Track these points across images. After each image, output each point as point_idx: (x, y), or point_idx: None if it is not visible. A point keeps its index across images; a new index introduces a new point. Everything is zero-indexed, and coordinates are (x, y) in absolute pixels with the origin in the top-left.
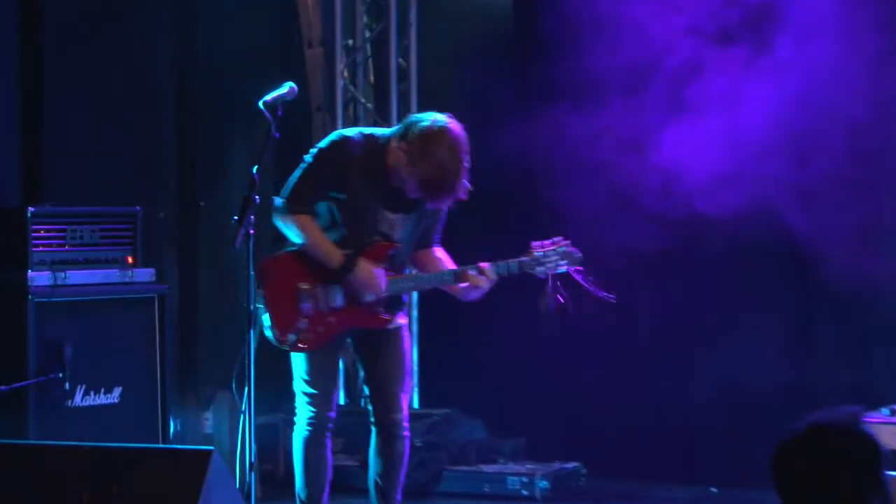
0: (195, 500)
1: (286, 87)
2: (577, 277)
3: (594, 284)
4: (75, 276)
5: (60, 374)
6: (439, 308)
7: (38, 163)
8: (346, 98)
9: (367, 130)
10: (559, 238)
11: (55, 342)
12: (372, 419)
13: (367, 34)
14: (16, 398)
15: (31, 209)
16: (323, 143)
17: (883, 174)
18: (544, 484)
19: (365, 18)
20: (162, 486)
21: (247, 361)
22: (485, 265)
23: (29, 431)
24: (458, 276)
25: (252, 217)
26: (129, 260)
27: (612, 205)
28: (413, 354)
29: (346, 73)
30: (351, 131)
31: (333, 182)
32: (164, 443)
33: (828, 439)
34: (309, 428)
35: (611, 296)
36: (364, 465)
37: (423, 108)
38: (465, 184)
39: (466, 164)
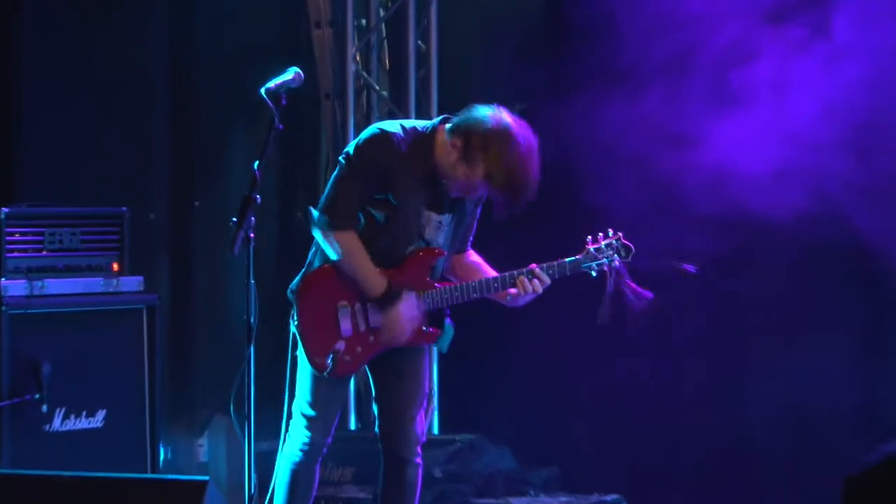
0: None
1: (291, 73)
2: (624, 274)
3: (636, 283)
4: (54, 286)
5: (37, 395)
6: (461, 321)
7: (12, 159)
8: (359, 85)
9: (408, 123)
10: (610, 231)
11: (31, 359)
12: (380, 444)
13: (382, 13)
14: None
15: (4, 210)
16: (361, 141)
17: None
18: None
19: None
20: None
21: (247, 381)
22: (536, 268)
23: (1, 459)
24: (507, 283)
25: (253, 219)
26: (115, 267)
27: (653, 204)
28: (433, 373)
29: (358, 58)
30: (390, 125)
31: (376, 185)
32: (153, 472)
33: None
34: (301, 453)
35: (648, 293)
36: (377, 498)
37: (443, 96)
38: (532, 189)
39: (536, 169)
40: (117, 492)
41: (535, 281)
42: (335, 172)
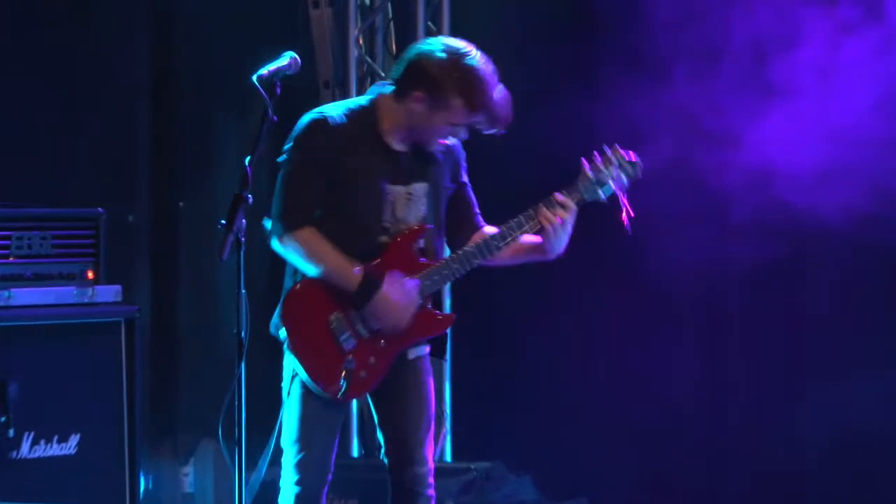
0: None
1: (286, 58)
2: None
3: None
4: (21, 296)
5: (2, 419)
6: (476, 337)
7: None
8: (362, 72)
9: (343, 102)
10: (607, 148)
11: None
12: (388, 474)
13: None
14: None
15: None
16: (297, 132)
17: None
18: None
19: None
20: None
21: (237, 402)
22: (559, 196)
23: None
24: (529, 222)
25: (244, 221)
26: (90, 275)
27: (689, 207)
28: (444, 393)
29: (361, 41)
30: (324, 107)
31: (326, 173)
32: None
33: None
34: (298, 490)
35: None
36: None
37: None
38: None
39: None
40: None
41: (560, 210)
42: (280, 175)
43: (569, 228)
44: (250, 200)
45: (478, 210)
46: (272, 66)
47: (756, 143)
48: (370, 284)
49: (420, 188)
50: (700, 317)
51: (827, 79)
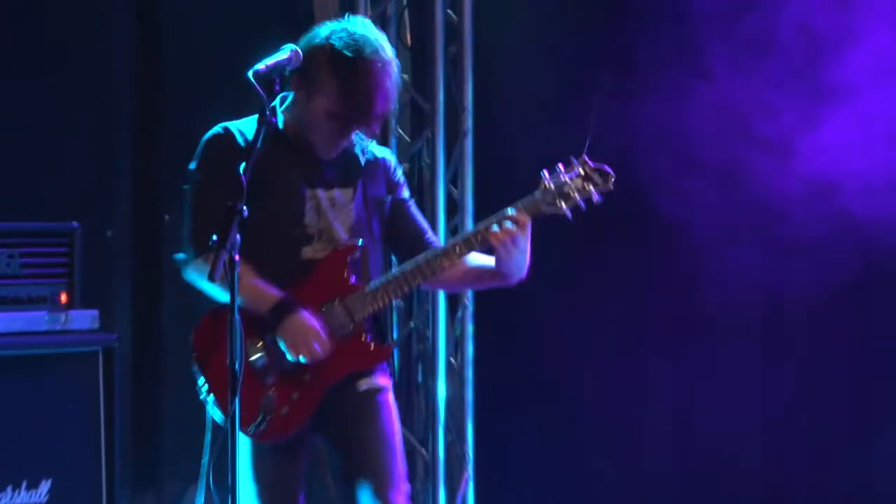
0: None
1: (286, 52)
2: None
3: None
4: None
5: None
6: (501, 364)
7: None
8: None
9: (253, 117)
10: (572, 158)
11: None
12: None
13: None
14: None
15: None
16: (197, 152)
17: None
18: None
19: None
20: None
21: (229, 445)
22: (510, 210)
23: None
24: (475, 239)
25: (238, 236)
26: (63, 298)
27: (741, 221)
28: (468, 434)
29: None
30: (232, 122)
31: (234, 187)
32: None
33: None
34: None
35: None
36: None
37: (480, 80)
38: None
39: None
40: None
41: (508, 224)
42: (185, 202)
43: (523, 246)
44: (245, 213)
45: (427, 229)
46: (270, 61)
47: (816, 148)
48: (284, 306)
49: (343, 194)
50: (756, 343)
51: (893, 77)
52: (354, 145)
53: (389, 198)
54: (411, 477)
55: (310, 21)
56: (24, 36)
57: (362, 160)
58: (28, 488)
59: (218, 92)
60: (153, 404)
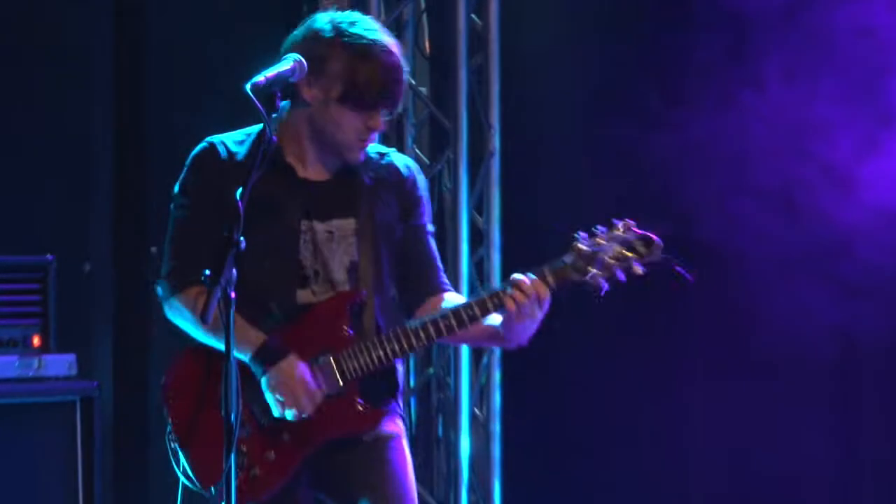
0: None
1: (289, 62)
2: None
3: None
4: None
5: None
6: (532, 416)
7: None
8: None
9: (243, 130)
10: (615, 220)
11: None
12: None
13: None
14: None
15: None
16: (185, 166)
17: None
18: None
19: None
20: None
21: (225, 500)
22: (521, 277)
23: None
24: (485, 305)
25: (234, 271)
26: (36, 341)
27: (808, 251)
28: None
29: None
30: (219, 136)
31: (221, 211)
32: None
33: None
34: None
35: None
36: None
37: (507, 92)
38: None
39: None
40: None
41: (520, 294)
42: (168, 230)
43: (539, 316)
44: (243, 245)
45: (439, 266)
46: (271, 72)
47: (886, 171)
48: (270, 352)
49: (343, 225)
50: (824, 389)
51: None
52: (363, 159)
53: (402, 226)
54: None
55: None
56: None
57: (368, 178)
58: None
59: (210, 106)
60: (137, 459)
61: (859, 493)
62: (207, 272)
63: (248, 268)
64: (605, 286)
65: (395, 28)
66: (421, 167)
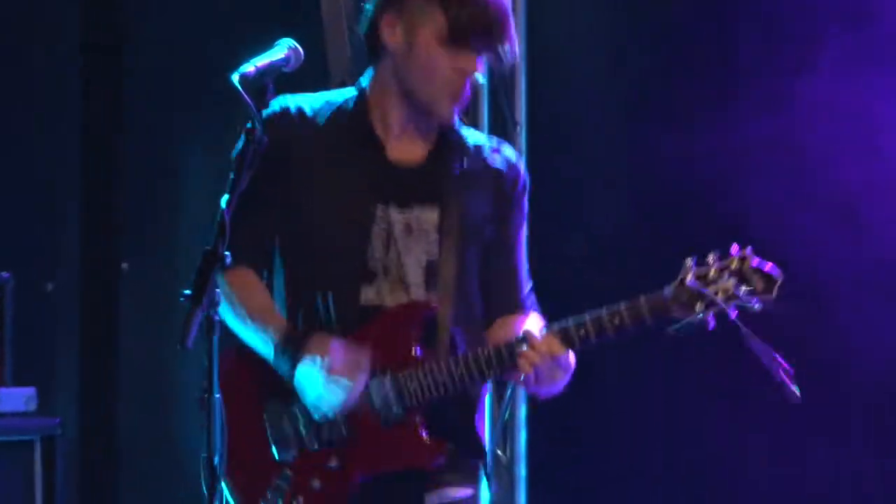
0: None
1: (283, 49)
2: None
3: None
4: None
5: None
6: (562, 457)
7: None
8: None
9: (322, 94)
10: (732, 251)
11: None
12: None
13: None
14: None
15: None
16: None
17: None
18: None
19: None
20: None
21: None
22: (533, 334)
23: None
24: (495, 363)
25: (218, 290)
26: None
27: (868, 266)
28: None
29: None
30: (294, 97)
31: (282, 181)
32: None
33: None
34: None
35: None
36: None
37: (537, 87)
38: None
39: None
40: None
41: (530, 353)
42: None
43: (561, 377)
44: (229, 260)
45: (524, 280)
46: (262, 61)
47: None
48: (298, 340)
49: (424, 217)
50: (874, 409)
51: None
52: (455, 139)
53: (494, 226)
54: None
55: (315, 8)
56: None
57: (461, 165)
58: None
59: (191, 100)
60: (106, 502)
61: None
62: (187, 291)
63: (307, 259)
64: (713, 324)
65: None
66: None
